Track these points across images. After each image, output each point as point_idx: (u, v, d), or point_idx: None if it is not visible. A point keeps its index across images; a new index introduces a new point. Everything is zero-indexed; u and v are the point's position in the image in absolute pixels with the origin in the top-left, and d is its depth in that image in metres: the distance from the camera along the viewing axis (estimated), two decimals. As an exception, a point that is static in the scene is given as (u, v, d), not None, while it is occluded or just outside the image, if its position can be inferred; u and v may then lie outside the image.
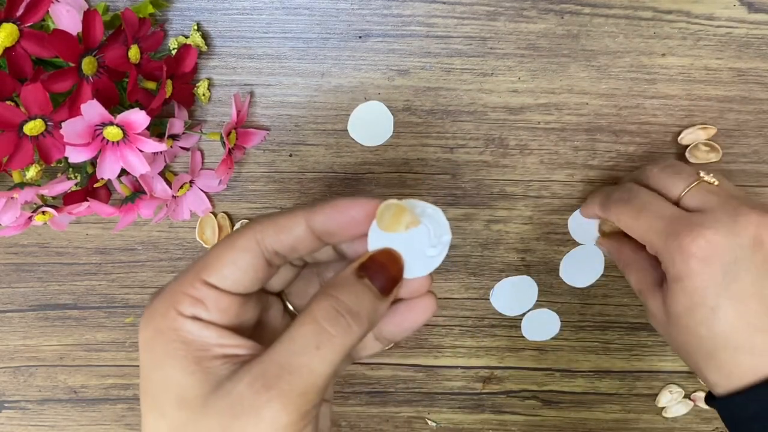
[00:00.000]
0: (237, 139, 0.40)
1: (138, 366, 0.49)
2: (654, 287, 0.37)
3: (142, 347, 0.27)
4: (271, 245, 0.26)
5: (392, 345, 0.31)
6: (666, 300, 0.35)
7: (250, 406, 0.24)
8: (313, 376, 0.24)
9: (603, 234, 0.45)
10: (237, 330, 0.27)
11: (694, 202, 0.35)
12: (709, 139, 0.43)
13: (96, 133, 0.33)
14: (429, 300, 0.29)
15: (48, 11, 0.31)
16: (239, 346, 0.26)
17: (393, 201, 0.26)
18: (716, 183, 0.36)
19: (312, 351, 0.24)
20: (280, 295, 0.31)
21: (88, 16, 0.32)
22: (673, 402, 0.52)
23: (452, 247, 0.44)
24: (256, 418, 0.24)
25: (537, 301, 0.48)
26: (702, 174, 0.36)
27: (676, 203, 0.36)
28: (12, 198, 0.36)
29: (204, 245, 0.45)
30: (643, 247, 0.38)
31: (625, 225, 0.37)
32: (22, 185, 0.36)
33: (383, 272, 0.26)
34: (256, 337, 0.27)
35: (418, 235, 0.27)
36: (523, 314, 0.49)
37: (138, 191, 0.40)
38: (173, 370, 0.25)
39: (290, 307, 0.31)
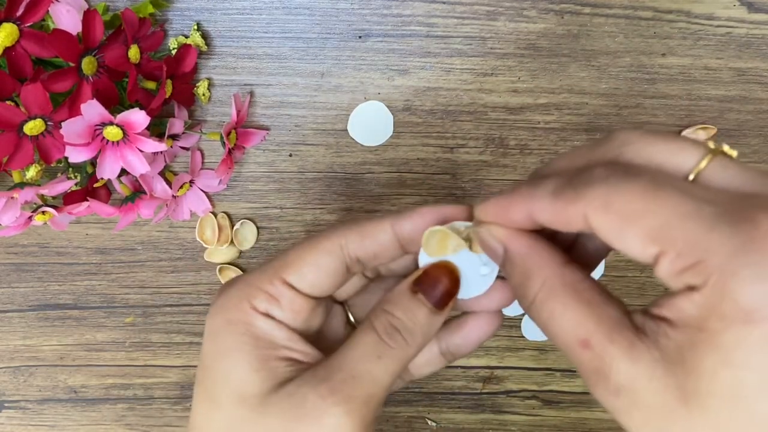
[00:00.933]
0: (237, 139, 0.40)
1: (138, 366, 0.49)
2: (622, 333, 0.20)
3: (207, 335, 0.26)
4: (354, 251, 0.26)
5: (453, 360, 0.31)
6: (684, 360, 0.18)
7: (313, 410, 0.24)
8: (375, 384, 0.24)
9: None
10: (302, 335, 0.27)
11: (721, 181, 0.21)
12: (708, 139, 0.43)
13: (96, 133, 0.33)
14: (495, 312, 0.28)
15: (48, 11, 0.31)
16: (304, 352, 0.26)
17: (437, 227, 0.26)
18: (736, 155, 0.22)
19: (374, 359, 0.25)
20: (342, 304, 0.31)
21: (88, 16, 0.32)
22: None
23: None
24: (318, 422, 0.24)
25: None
26: (711, 143, 0.22)
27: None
28: (12, 198, 0.36)
29: (204, 245, 0.45)
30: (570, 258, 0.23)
31: (618, 216, 0.20)
32: (22, 185, 0.36)
33: (437, 287, 0.26)
34: (316, 346, 0.27)
35: (467, 256, 0.26)
36: (523, 314, 0.48)
37: (138, 191, 0.40)
38: (237, 363, 0.25)
39: (351, 318, 0.31)
